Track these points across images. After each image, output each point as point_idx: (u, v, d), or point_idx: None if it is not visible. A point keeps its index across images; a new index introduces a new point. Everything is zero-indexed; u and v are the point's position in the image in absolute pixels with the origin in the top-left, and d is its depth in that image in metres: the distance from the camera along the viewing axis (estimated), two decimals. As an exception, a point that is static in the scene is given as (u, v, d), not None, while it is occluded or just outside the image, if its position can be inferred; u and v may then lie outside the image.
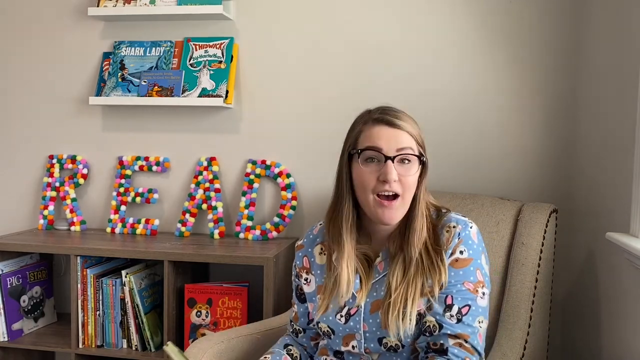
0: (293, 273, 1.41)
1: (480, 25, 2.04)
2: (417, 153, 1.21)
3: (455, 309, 1.18)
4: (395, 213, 1.20)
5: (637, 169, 1.41)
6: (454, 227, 1.23)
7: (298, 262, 1.38)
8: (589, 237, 1.79)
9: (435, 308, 1.18)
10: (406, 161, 1.20)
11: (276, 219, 2.18)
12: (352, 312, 1.24)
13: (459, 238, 1.21)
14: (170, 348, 1.17)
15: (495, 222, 1.69)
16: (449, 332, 1.17)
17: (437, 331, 1.18)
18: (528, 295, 1.58)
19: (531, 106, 2.02)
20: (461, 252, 1.21)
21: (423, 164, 1.23)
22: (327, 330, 1.28)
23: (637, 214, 1.41)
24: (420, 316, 1.19)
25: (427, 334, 1.19)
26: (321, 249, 1.34)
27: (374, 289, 1.24)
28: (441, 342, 1.17)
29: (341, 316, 1.25)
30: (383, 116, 1.22)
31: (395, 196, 1.19)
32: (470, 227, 1.24)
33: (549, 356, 1.70)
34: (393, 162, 1.18)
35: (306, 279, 1.35)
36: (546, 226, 1.66)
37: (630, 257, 1.40)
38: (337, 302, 1.24)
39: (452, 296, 1.19)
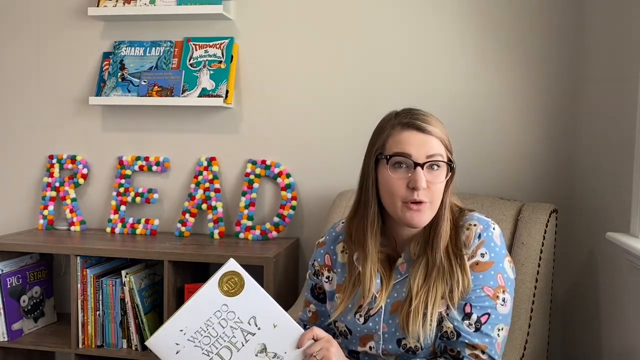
0: (310, 271, 1.37)
1: (481, 26, 2.04)
2: (446, 159, 1.18)
3: (474, 318, 1.16)
4: (424, 216, 1.17)
5: (637, 169, 1.41)
6: (474, 225, 1.20)
7: (319, 260, 1.34)
8: (589, 237, 1.79)
9: (453, 314, 1.16)
10: (435, 167, 1.17)
11: (276, 219, 2.18)
12: (371, 312, 1.22)
13: (479, 239, 1.19)
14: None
15: (495, 222, 1.69)
16: (466, 341, 1.15)
17: (454, 338, 1.16)
18: (528, 295, 1.59)
19: (531, 106, 2.02)
20: (482, 255, 1.18)
21: (451, 169, 1.20)
22: (344, 330, 1.26)
23: (637, 214, 1.41)
24: (441, 319, 1.18)
25: (444, 339, 1.17)
26: (343, 247, 1.31)
27: (395, 290, 1.22)
28: (458, 349, 1.16)
29: (360, 316, 1.23)
30: (413, 121, 1.18)
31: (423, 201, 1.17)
32: (493, 229, 1.21)
33: (549, 356, 1.70)
34: (423, 169, 1.16)
35: (328, 277, 1.32)
36: (546, 226, 1.67)
37: (630, 257, 1.40)
38: (357, 302, 1.23)
39: (471, 304, 1.16)
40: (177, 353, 1.10)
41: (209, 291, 1.10)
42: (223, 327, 1.10)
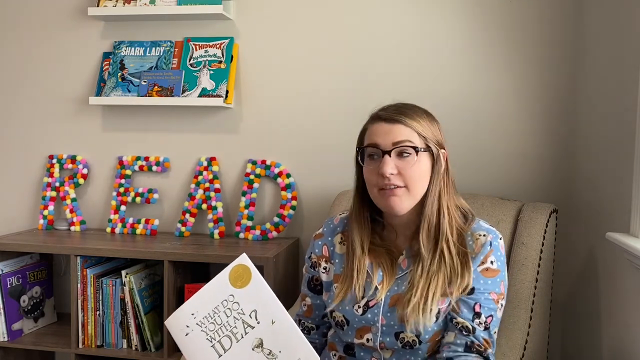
0: (307, 264, 1.40)
1: (481, 25, 2.04)
2: (415, 145, 1.21)
3: (482, 318, 1.21)
4: (400, 201, 1.21)
5: (637, 169, 1.41)
6: (484, 235, 1.24)
7: (317, 251, 1.38)
8: (589, 237, 1.79)
9: (465, 312, 1.20)
10: (405, 154, 1.21)
11: (276, 219, 2.18)
12: (370, 304, 1.25)
13: (491, 247, 1.23)
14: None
15: (495, 222, 1.69)
16: (482, 335, 1.20)
17: (471, 333, 1.20)
18: (528, 295, 1.59)
19: (531, 106, 2.02)
20: (492, 263, 1.23)
21: (434, 158, 1.24)
22: (342, 320, 1.28)
23: (637, 214, 1.41)
24: (443, 314, 1.21)
25: (464, 333, 1.20)
26: (341, 238, 1.35)
27: (396, 284, 1.25)
28: (480, 345, 1.19)
29: (359, 307, 1.25)
30: (383, 113, 1.26)
31: (398, 186, 1.21)
32: (500, 239, 1.26)
33: (549, 356, 1.70)
34: (390, 156, 1.20)
35: (325, 268, 1.35)
36: (546, 226, 1.67)
37: (630, 257, 1.39)
38: (356, 292, 1.25)
39: (480, 304, 1.21)
40: (186, 335, 1.16)
41: (220, 280, 1.17)
42: (227, 316, 1.15)
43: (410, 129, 1.22)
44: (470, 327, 1.20)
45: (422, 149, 1.22)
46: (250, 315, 1.14)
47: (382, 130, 1.22)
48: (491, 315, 1.21)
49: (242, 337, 1.14)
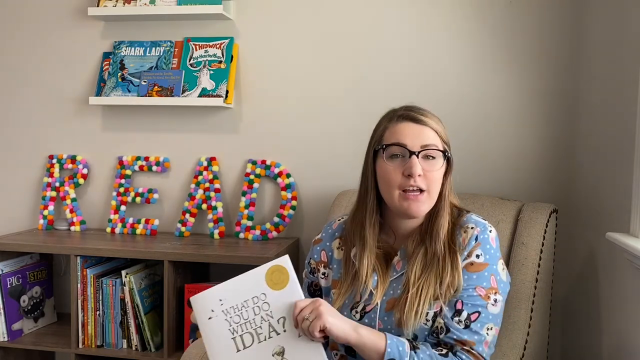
0: (306, 269, 1.40)
1: (481, 26, 2.04)
2: (441, 149, 1.22)
3: (464, 315, 1.18)
4: (422, 206, 1.21)
5: (637, 169, 1.41)
6: (471, 228, 1.23)
7: (315, 256, 1.37)
8: (589, 237, 1.79)
9: (445, 311, 1.18)
10: (430, 157, 1.21)
11: (276, 219, 2.18)
12: (367, 309, 1.24)
13: (476, 241, 1.22)
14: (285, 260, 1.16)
15: (495, 222, 1.69)
16: (455, 337, 1.17)
17: (444, 333, 1.18)
18: (528, 295, 1.59)
19: (531, 106, 2.02)
20: (477, 256, 1.21)
21: (448, 161, 1.24)
22: None
23: (637, 214, 1.41)
24: (437, 316, 1.19)
25: (434, 334, 1.19)
26: (339, 243, 1.34)
27: (391, 287, 1.25)
28: (450, 344, 1.18)
29: (356, 312, 1.25)
30: (408, 113, 1.24)
31: (421, 190, 1.20)
32: (490, 231, 1.24)
33: (549, 356, 1.70)
34: (418, 157, 1.20)
35: (324, 274, 1.35)
36: (546, 226, 1.67)
37: (630, 257, 1.40)
38: (354, 297, 1.25)
39: (462, 301, 1.18)
40: (209, 319, 1.13)
41: (256, 275, 1.14)
42: (255, 314, 1.13)
43: (435, 132, 1.22)
44: (444, 327, 1.17)
45: (445, 153, 1.23)
46: (278, 321, 1.12)
47: (411, 130, 1.22)
48: (477, 312, 1.18)
49: (265, 340, 1.12)
